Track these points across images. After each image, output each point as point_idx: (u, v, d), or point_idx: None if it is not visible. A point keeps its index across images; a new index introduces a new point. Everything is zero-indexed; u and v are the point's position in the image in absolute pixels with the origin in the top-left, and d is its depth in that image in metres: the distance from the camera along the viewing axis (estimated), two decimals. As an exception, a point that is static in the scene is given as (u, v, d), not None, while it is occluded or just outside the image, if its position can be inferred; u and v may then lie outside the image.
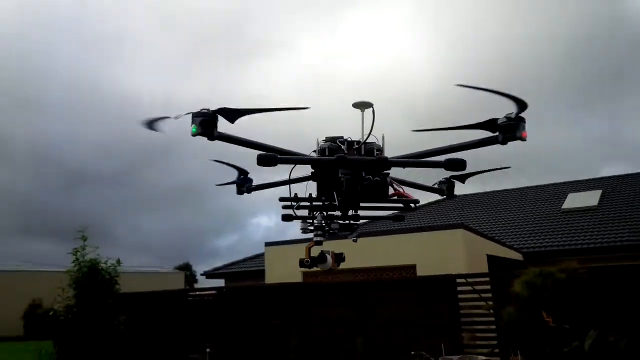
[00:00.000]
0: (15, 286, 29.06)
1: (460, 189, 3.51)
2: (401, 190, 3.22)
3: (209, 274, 25.57)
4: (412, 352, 10.14)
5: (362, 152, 3.01)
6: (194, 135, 2.57)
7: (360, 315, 12.95)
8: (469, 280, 12.26)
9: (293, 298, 14.30)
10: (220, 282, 24.76)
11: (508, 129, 2.54)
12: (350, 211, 3.33)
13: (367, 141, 3.05)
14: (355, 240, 3.48)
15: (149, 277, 33.70)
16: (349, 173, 2.89)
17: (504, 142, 2.58)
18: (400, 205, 3.34)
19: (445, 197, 3.53)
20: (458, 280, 12.30)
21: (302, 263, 3.28)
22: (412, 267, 14.85)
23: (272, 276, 16.99)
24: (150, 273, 37.01)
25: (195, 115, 2.59)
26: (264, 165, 2.72)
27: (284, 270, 16.44)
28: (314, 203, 3.24)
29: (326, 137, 3.10)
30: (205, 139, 2.62)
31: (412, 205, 3.29)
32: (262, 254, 18.70)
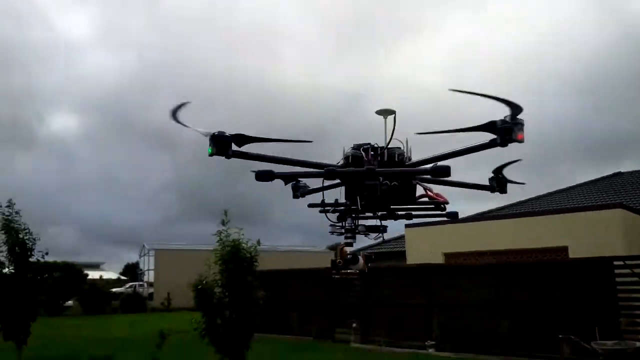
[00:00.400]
0: (192, 263, 32.28)
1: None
2: (430, 192, 3.20)
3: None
4: (560, 336, 9.61)
5: (385, 158, 3.06)
6: (210, 155, 2.79)
7: (503, 297, 12.51)
8: (628, 262, 11.25)
9: (434, 278, 14.18)
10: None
11: (505, 132, 2.53)
12: (379, 213, 3.39)
13: (393, 146, 3.09)
14: (383, 240, 3.53)
15: (302, 255, 35.48)
16: (369, 180, 2.99)
17: (503, 145, 2.56)
18: (431, 206, 3.34)
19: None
20: (615, 263, 11.34)
21: (334, 264, 3.40)
22: (564, 250, 13.97)
23: (413, 257, 17.04)
24: (303, 252, 38.91)
25: (212, 137, 2.80)
26: (261, 181, 2.90)
27: (424, 251, 16.42)
28: (339, 207, 3.35)
29: (354, 144, 3.15)
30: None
31: (442, 206, 3.26)
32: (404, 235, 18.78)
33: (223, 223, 8.38)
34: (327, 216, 3.37)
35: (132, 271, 62.84)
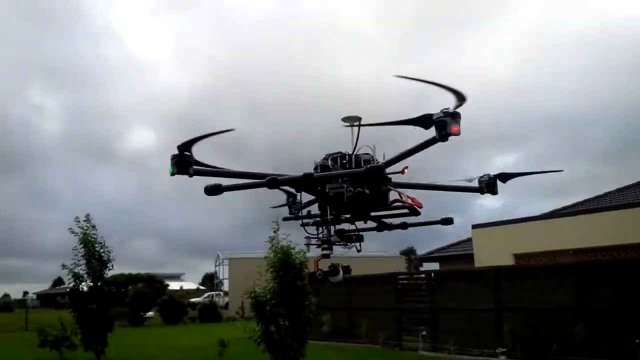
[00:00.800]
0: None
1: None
2: (402, 197, 3.12)
3: (423, 258, 25.78)
4: (637, 340, 8.96)
5: (353, 165, 3.07)
6: (172, 175, 2.87)
7: (578, 299, 11.80)
8: None
9: (503, 281, 13.57)
10: (435, 266, 24.77)
11: (440, 126, 2.39)
12: (356, 222, 3.44)
13: (362, 153, 3.10)
14: (359, 250, 3.56)
15: (370, 261, 35.15)
16: (334, 188, 3.01)
17: (442, 139, 2.42)
18: (405, 211, 3.29)
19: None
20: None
21: (313, 276, 3.40)
22: (644, 246, 13.05)
23: (481, 259, 16.46)
24: (372, 257, 38.55)
25: (172, 157, 2.89)
26: (211, 195, 2.95)
27: (493, 252, 15.85)
28: (313, 219, 3.37)
29: (325, 154, 3.19)
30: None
31: (417, 210, 3.21)
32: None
33: (275, 231, 8.47)
34: (304, 229, 3.41)
35: (210, 281, 64.69)
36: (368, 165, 2.89)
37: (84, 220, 13.15)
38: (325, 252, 3.35)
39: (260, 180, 3.09)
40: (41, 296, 71.51)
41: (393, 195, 3.19)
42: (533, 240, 15.37)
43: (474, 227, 17.15)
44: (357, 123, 3.12)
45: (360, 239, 3.47)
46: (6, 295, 77.23)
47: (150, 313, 33.34)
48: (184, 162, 2.86)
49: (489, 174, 3.34)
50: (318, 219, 3.38)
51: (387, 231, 3.57)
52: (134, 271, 45.99)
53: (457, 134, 2.38)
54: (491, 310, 13.41)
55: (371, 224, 3.56)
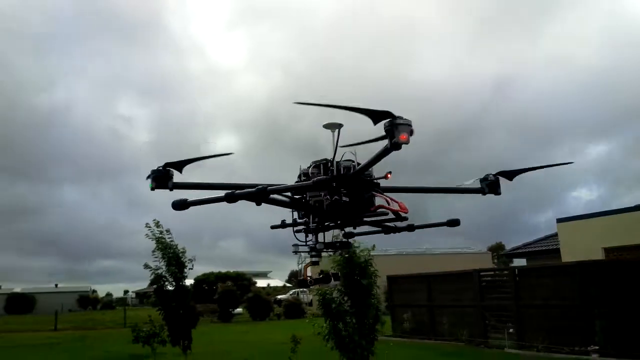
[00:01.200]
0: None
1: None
2: (388, 201, 3.03)
3: (509, 254, 24.79)
4: None
5: (335, 172, 3.06)
6: (152, 189, 2.89)
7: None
8: None
9: (593, 276, 12.77)
10: (522, 261, 23.78)
11: (390, 135, 2.36)
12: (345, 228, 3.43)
13: (346, 160, 3.10)
14: (345, 256, 3.50)
15: (455, 257, 34.39)
16: (314, 195, 3.03)
17: (394, 148, 2.40)
18: (391, 216, 3.22)
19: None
20: None
21: (304, 283, 3.43)
22: None
23: (568, 253, 15.55)
24: (456, 254, 37.70)
25: (152, 172, 2.91)
26: (178, 210, 2.94)
27: (580, 246, 14.96)
28: (298, 227, 3.38)
29: (311, 162, 3.18)
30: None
31: (402, 215, 3.12)
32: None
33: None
34: (295, 236, 3.44)
35: (296, 278, 65.75)
36: (315, 179, 2.93)
37: (155, 226, 13.74)
38: (314, 259, 3.40)
39: (219, 195, 3.14)
40: (140, 294, 76.00)
41: (379, 200, 3.16)
42: (626, 233, 14.32)
43: (559, 220, 16.22)
44: (337, 130, 3.14)
45: (346, 245, 3.52)
46: (109, 294, 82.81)
47: (239, 309, 34.45)
48: (163, 177, 2.93)
49: (490, 174, 3.26)
50: (304, 226, 3.41)
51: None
52: (224, 269, 47.93)
53: (407, 142, 2.37)
54: (581, 306, 12.68)
55: (373, 227, 3.54)
